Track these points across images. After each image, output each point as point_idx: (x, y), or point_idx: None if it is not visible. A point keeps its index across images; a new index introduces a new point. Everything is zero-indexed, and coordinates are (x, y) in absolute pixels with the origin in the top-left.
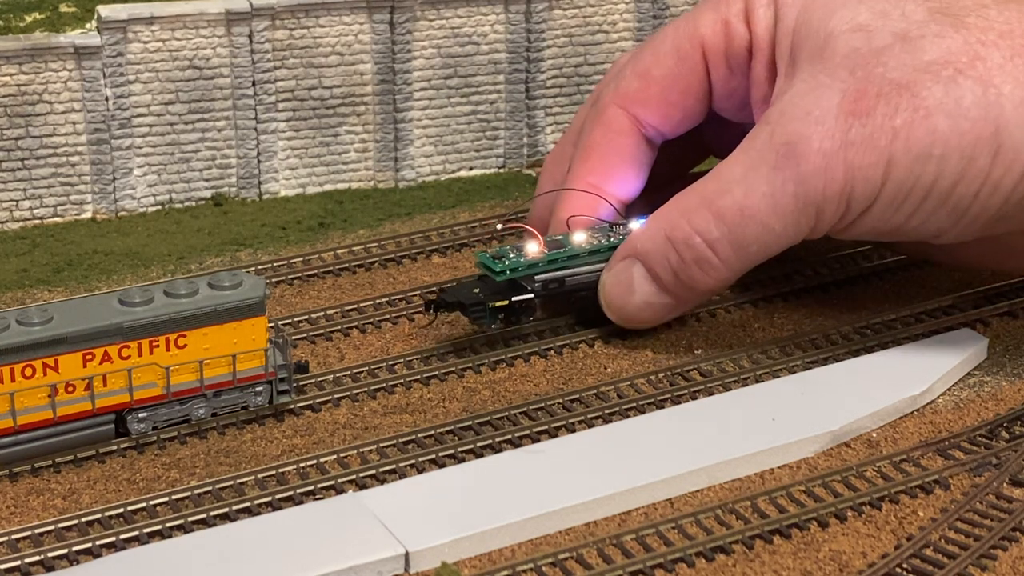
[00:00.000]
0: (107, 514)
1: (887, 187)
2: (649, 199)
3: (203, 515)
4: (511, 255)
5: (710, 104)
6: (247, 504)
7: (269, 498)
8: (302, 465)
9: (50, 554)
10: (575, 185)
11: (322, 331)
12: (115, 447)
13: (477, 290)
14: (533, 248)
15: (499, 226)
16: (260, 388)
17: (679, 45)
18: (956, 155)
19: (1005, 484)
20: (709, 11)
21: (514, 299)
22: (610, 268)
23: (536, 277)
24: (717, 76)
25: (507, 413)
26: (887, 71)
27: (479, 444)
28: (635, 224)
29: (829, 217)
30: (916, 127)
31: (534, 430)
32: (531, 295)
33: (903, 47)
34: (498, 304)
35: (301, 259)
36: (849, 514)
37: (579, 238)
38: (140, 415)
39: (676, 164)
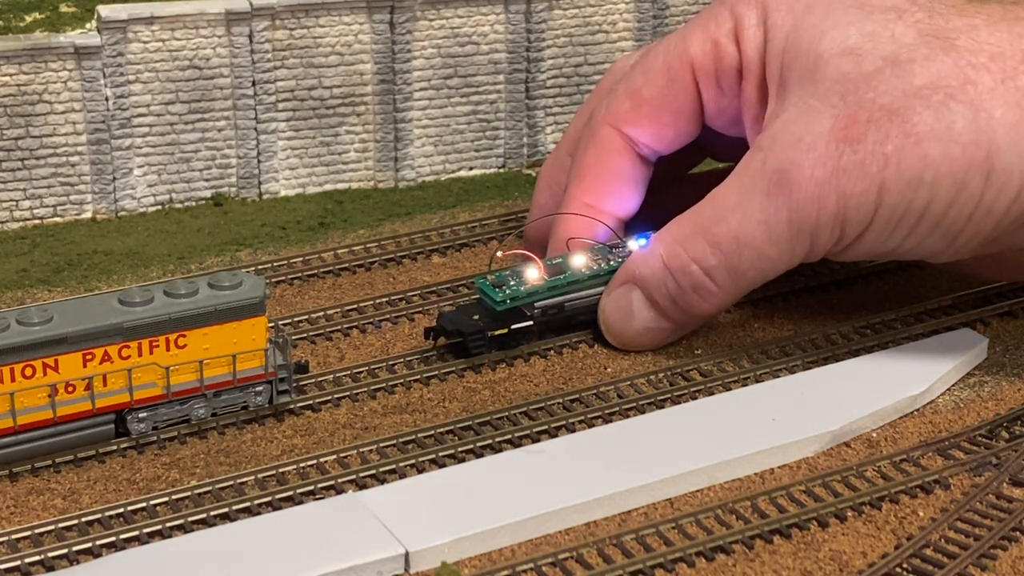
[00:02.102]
0: (107, 514)
1: (880, 212)
2: (646, 204)
3: (203, 515)
4: (511, 282)
5: (702, 122)
6: (247, 504)
7: (269, 498)
8: (302, 465)
9: (50, 554)
10: (571, 206)
11: (322, 331)
12: (115, 447)
13: (476, 316)
14: (533, 273)
15: (499, 253)
16: (260, 388)
17: (669, 65)
18: (948, 180)
19: (1005, 484)
20: (699, 31)
21: (514, 327)
22: (609, 293)
23: (536, 304)
24: (708, 96)
25: (507, 413)
26: (877, 96)
27: (479, 444)
28: (634, 244)
29: (824, 242)
30: (907, 153)
31: (534, 430)
32: (531, 322)
33: (893, 71)
34: (497, 333)
35: (301, 259)
36: (849, 514)
37: (578, 261)
38: (140, 415)
39: (674, 168)
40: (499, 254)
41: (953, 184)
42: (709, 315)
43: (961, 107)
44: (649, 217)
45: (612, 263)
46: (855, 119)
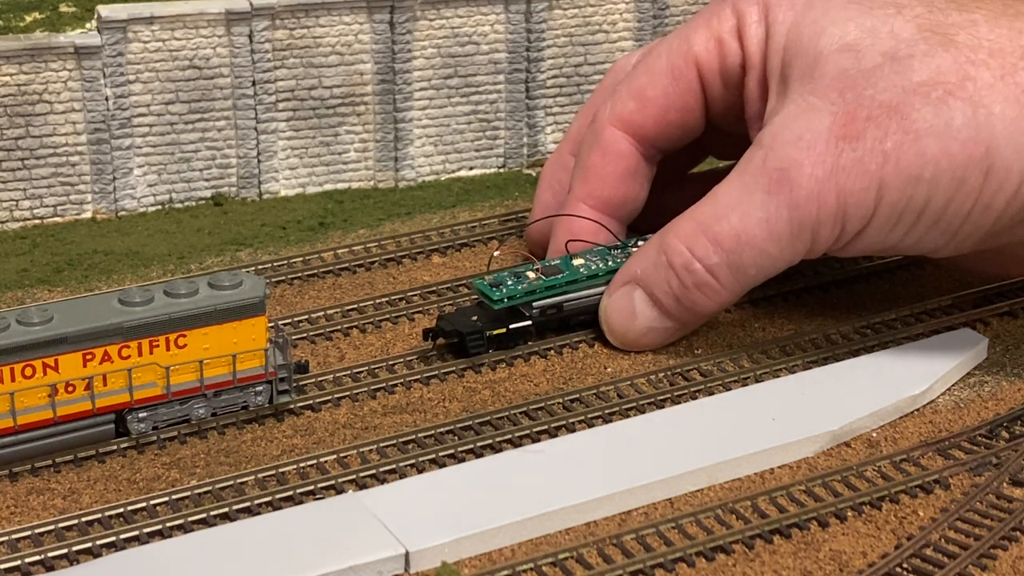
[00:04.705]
0: (107, 514)
1: (880, 210)
2: (648, 203)
3: (203, 515)
4: (508, 282)
5: (706, 119)
6: (247, 504)
7: (269, 498)
8: (302, 465)
9: (50, 554)
10: (575, 208)
11: (322, 331)
12: (115, 447)
13: (475, 317)
14: (531, 274)
15: (496, 252)
16: (260, 388)
17: (673, 64)
18: (947, 177)
19: (1005, 484)
20: (702, 28)
21: (512, 327)
22: (610, 293)
23: (534, 304)
24: (712, 93)
25: (507, 413)
26: (876, 93)
27: (479, 444)
28: (634, 246)
29: (824, 239)
30: (906, 150)
31: (534, 430)
32: (529, 322)
33: (892, 67)
34: (496, 333)
35: (301, 259)
36: (849, 514)
37: (577, 262)
38: (140, 415)
39: (674, 168)
40: (496, 253)
41: (952, 181)
42: (712, 313)
43: (960, 103)
44: (650, 217)
45: (611, 264)
46: (854, 117)
